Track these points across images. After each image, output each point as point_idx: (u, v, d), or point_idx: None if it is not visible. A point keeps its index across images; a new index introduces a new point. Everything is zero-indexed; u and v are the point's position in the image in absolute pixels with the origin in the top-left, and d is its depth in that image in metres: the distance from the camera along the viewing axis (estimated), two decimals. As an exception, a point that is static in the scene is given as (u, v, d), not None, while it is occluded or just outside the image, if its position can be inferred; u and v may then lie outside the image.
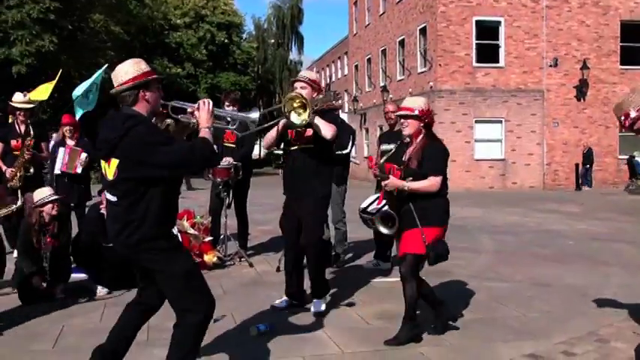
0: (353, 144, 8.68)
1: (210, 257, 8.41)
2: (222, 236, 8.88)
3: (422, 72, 30.20)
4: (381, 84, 35.55)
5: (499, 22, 28.50)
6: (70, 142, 9.39)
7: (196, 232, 8.36)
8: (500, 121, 28.25)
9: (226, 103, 8.86)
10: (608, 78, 28.89)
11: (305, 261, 6.48)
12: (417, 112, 5.49)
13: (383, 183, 5.57)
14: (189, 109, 4.35)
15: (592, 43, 28.90)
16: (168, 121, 4.53)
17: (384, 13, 36.00)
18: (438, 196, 5.47)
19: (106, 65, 12.53)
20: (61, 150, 9.34)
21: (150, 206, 3.90)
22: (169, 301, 4.13)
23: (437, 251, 5.36)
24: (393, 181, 5.46)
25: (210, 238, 8.56)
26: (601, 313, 6.32)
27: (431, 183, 5.40)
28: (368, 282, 7.79)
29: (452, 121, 27.69)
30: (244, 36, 60.56)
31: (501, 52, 28.62)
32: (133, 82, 3.96)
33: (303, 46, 66.06)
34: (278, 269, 8.33)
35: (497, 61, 28.68)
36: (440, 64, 28.18)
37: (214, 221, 8.91)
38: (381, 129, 30.62)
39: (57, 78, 10.56)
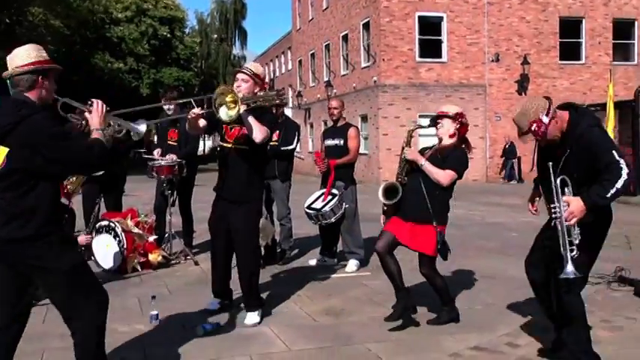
0: (298, 140, 8.64)
1: (154, 256, 8.28)
2: (167, 234, 8.75)
3: (365, 67, 30.32)
4: (325, 79, 35.59)
5: (441, 18, 28.78)
6: None
7: (140, 231, 8.23)
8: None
9: (162, 101, 8.72)
10: (548, 73, 29.49)
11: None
12: (452, 113, 5.82)
13: (406, 153, 5.71)
14: (80, 107, 4.19)
15: (532, 38, 29.45)
16: None
17: (327, 7, 36.01)
18: (449, 198, 5.74)
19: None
20: None
21: (40, 200, 3.70)
22: (58, 306, 3.89)
23: (446, 247, 5.67)
24: (413, 153, 5.69)
25: (154, 236, 8.43)
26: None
27: (445, 174, 5.56)
28: (314, 278, 7.77)
29: (396, 115, 27.86)
30: (187, 31, 59.87)
31: (444, 47, 28.91)
32: (34, 65, 3.77)
33: (246, 41, 65.81)
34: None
35: (440, 57, 28.98)
36: (383, 59, 28.32)
37: (159, 219, 8.80)
38: (325, 124, 30.65)
39: None
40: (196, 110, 5.68)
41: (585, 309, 4.61)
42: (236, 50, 64.59)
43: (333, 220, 8.15)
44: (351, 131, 8.34)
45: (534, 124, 4.35)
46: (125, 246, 7.99)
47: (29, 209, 3.66)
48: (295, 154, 8.72)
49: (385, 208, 5.96)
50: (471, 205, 16.96)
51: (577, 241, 4.22)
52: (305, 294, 7.05)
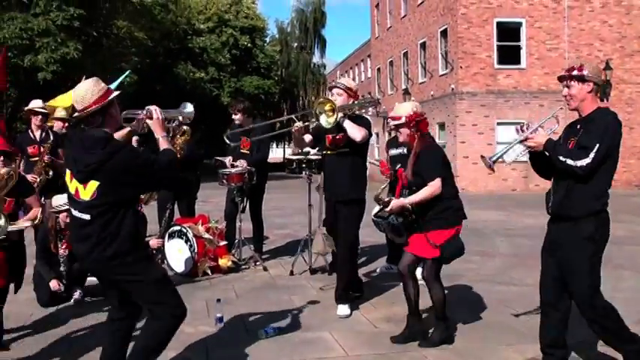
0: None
1: (224, 261, 8.52)
2: (237, 240, 8.99)
3: (443, 74, 30.16)
4: (403, 87, 35.52)
5: (520, 24, 28.38)
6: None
7: (211, 237, 8.47)
8: (523, 123, 28.02)
9: (234, 113, 9.06)
10: (632, 78, 28.63)
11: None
12: (403, 120, 5.59)
13: (386, 209, 5.65)
14: (138, 117, 4.44)
15: (615, 43, 28.67)
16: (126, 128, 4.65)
17: (405, 15, 35.99)
18: (445, 198, 5.50)
19: (128, 72, 12.75)
20: None
21: (123, 223, 4.02)
22: (146, 308, 4.28)
23: (450, 251, 5.47)
24: (395, 204, 5.58)
25: (224, 242, 8.67)
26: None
27: (432, 189, 5.44)
28: (378, 286, 7.84)
29: (473, 123, 27.63)
30: (267, 40, 60.82)
31: (523, 53, 28.49)
32: (100, 103, 4.01)
33: (325, 49, 66.12)
34: (291, 273, 8.49)
35: (519, 63, 28.55)
36: (461, 66, 28.13)
37: (229, 226, 9.03)
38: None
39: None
40: (299, 124, 6.59)
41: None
42: (316, 58, 65.17)
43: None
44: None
45: (576, 69, 4.49)
46: (196, 250, 8.27)
47: (114, 232, 4.00)
48: (370, 160, 8.77)
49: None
50: (547, 215, 16.48)
51: (513, 159, 4.62)
52: (369, 300, 7.12)
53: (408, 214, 5.59)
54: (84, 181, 3.99)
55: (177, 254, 8.47)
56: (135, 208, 4.24)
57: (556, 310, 4.68)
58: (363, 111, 6.92)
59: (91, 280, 7.55)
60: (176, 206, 9.07)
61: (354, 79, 56.99)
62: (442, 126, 30.02)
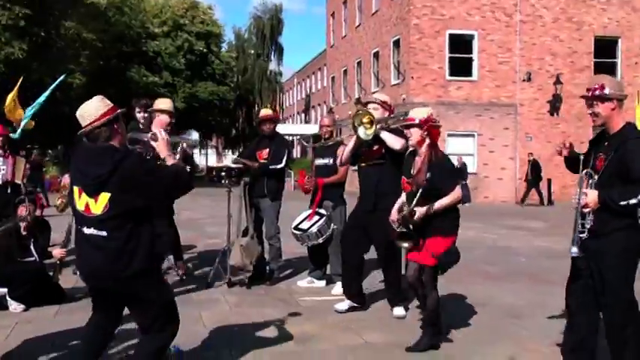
0: (289, 157, 8.41)
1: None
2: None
3: (395, 84, 30.07)
4: (356, 96, 35.37)
5: (472, 36, 28.44)
6: (1, 152, 9.01)
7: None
8: (473, 135, 28.12)
9: (137, 109, 8.47)
10: (582, 93, 28.62)
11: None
12: (417, 121, 5.63)
13: (413, 218, 5.52)
14: (144, 139, 4.50)
15: (566, 58, 28.87)
16: None
17: (359, 25, 35.92)
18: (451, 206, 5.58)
19: (63, 76, 12.22)
20: None
21: (142, 237, 4.00)
22: (142, 323, 4.25)
23: (447, 260, 5.51)
24: (420, 213, 5.48)
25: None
26: (529, 337, 6.08)
27: (456, 196, 5.55)
28: (295, 301, 7.52)
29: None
30: (224, 46, 60.31)
31: (474, 65, 28.53)
32: (106, 117, 4.03)
33: (282, 56, 66.01)
34: (208, 285, 8.10)
35: (471, 75, 28.59)
36: (413, 77, 28.04)
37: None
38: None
39: (16, 87, 10.12)
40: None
41: None
42: (272, 66, 64.80)
43: (320, 241, 7.94)
44: (341, 150, 8.09)
45: (597, 89, 4.54)
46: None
47: (134, 248, 3.96)
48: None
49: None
50: (487, 228, 16.42)
51: (588, 226, 4.45)
52: (281, 317, 6.75)
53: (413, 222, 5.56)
54: (94, 194, 3.95)
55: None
56: (151, 224, 4.17)
57: (581, 315, 4.72)
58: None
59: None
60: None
61: (310, 88, 57.19)
62: (393, 136, 29.81)
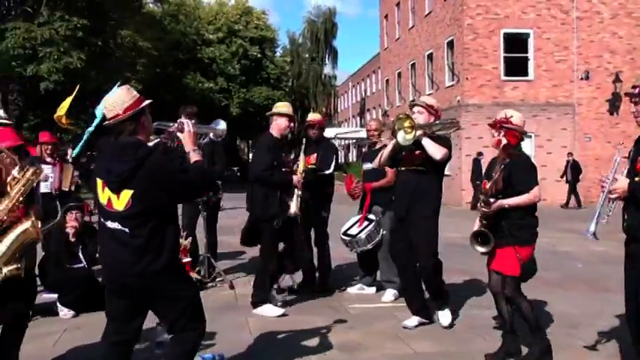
0: (337, 163, 8.32)
1: (187, 279, 8.11)
2: (201, 256, 8.56)
3: (449, 86, 29.68)
4: (411, 98, 35.09)
5: (528, 35, 27.83)
6: (49, 160, 9.17)
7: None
8: (530, 136, 27.49)
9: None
10: (643, 91, 27.97)
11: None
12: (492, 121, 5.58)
13: (487, 210, 5.41)
14: (169, 129, 4.37)
15: (625, 55, 28.02)
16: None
17: (413, 26, 35.57)
18: (529, 214, 5.45)
19: (118, 83, 12.34)
20: (48, 167, 9.08)
21: (167, 233, 3.93)
22: (170, 322, 4.14)
23: (530, 270, 5.45)
24: (496, 205, 5.37)
25: (188, 259, 8.25)
26: (585, 349, 5.86)
27: (533, 197, 5.39)
28: (344, 308, 7.42)
29: (479, 136, 26.95)
30: (279, 50, 60.69)
31: (530, 65, 27.93)
32: (132, 110, 3.92)
33: (337, 60, 65.72)
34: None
35: (527, 75, 27.98)
36: (467, 78, 27.64)
37: (192, 241, 8.60)
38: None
39: (73, 93, 10.26)
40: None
41: None
42: (327, 69, 64.79)
43: (369, 247, 7.83)
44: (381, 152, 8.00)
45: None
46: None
47: (158, 245, 3.88)
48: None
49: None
50: (544, 232, 15.94)
51: (610, 213, 4.54)
52: (327, 324, 6.66)
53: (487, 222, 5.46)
54: (117, 191, 3.87)
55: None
56: (176, 220, 4.12)
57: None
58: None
59: (47, 297, 7.29)
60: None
61: (365, 91, 56.97)
62: (448, 138, 29.45)
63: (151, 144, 4.28)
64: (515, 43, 27.92)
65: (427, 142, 6.15)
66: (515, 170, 5.35)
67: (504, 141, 5.42)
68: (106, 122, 3.99)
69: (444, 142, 6.28)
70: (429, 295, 6.69)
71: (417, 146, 6.21)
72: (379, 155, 6.67)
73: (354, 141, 55.46)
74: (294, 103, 59.36)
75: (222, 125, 4.80)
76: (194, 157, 4.09)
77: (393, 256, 6.86)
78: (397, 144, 6.19)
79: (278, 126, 7.27)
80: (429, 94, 32.13)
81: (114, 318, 4.12)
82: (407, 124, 6.02)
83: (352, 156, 56.97)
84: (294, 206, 7.18)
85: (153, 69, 40.29)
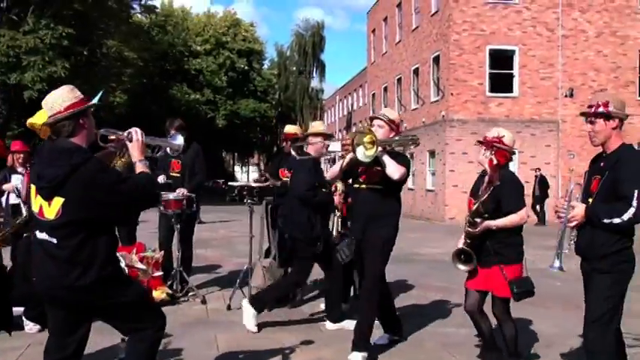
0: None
1: (158, 293, 7.97)
2: (174, 271, 8.40)
3: (435, 101, 29.70)
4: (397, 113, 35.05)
5: (513, 51, 27.93)
6: (21, 170, 8.97)
7: (144, 267, 7.92)
8: (514, 152, 27.50)
9: (172, 132, 8.39)
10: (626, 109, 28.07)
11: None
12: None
13: (474, 230, 5.31)
14: (119, 137, 4.11)
15: (609, 73, 28.17)
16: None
17: (400, 41, 35.63)
18: (514, 233, 5.40)
19: (102, 91, 12.23)
20: (17, 177, 8.87)
21: (98, 246, 3.69)
22: (122, 328, 4.01)
23: (522, 289, 5.28)
24: (484, 226, 5.29)
25: (159, 272, 8.12)
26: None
27: (520, 218, 5.37)
28: (317, 325, 7.29)
29: (463, 151, 27.02)
30: (266, 63, 60.69)
31: (515, 81, 28.02)
32: (72, 109, 3.69)
33: (324, 73, 65.95)
34: (228, 307, 7.91)
35: (511, 91, 28.08)
36: (452, 94, 27.67)
37: (165, 254, 8.45)
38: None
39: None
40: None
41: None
42: (314, 83, 64.84)
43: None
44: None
45: (601, 106, 4.35)
46: (128, 282, 7.72)
47: (88, 257, 3.65)
48: None
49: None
50: (529, 249, 15.88)
51: (572, 243, 4.43)
52: (299, 342, 6.52)
53: (471, 241, 5.38)
54: (48, 198, 3.64)
55: (109, 284, 7.91)
56: (112, 234, 3.90)
57: None
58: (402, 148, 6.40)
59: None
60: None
61: (352, 105, 56.89)
62: (432, 153, 29.50)
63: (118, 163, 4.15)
64: (501, 59, 28.04)
65: (387, 160, 5.79)
66: (504, 192, 5.28)
67: (494, 160, 5.36)
68: (45, 121, 3.82)
69: (402, 159, 6.00)
70: (357, 324, 6.17)
71: (376, 163, 5.84)
72: (331, 169, 6.40)
73: (340, 155, 55.32)
74: (281, 116, 59.54)
75: (179, 140, 4.66)
76: (139, 167, 3.89)
77: (358, 273, 6.78)
78: (355, 159, 5.79)
79: (314, 146, 7.12)
80: (414, 109, 32.21)
81: (53, 332, 3.95)
82: (367, 139, 5.63)
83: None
84: (334, 228, 7.09)
85: (139, 79, 40.11)
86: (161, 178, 8.25)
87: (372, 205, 6.00)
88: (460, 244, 5.47)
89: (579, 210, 4.31)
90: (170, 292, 8.19)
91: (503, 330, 5.45)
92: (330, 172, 6.38)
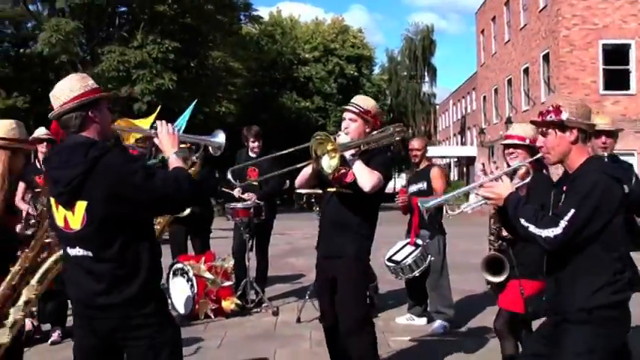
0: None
1: (227, 303, 7.84)
2: (245, 281, 8.24)
3: (545, 101, 28.48)
4: (507, 115, 33.98)
5: (629, 45, 26.46)
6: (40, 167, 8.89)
7: (213, 276, 7.81)
8: (633, 154, 25.99)
9: (250, 139, 8.27)
10: None
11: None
12: (527, 142, 4.74)
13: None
14: (147, 134, 3.72)
15: None
16: None
17: (509, 40, 34.57)
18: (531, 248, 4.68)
19: (195, 102, 12.33)
20: None
21: (141, 256, 3.17)
22: None
23: (537, 308, 4.41)
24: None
25: (229, 282, 7.99)
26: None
27: None
28: (387, 340, 6.82)
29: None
30: (376, 68, 60.44)
31: (632, 77, 26.49)
32: (80, 99, 3.18)
33: (436, 77, 64.87)
34: (298, 320, 7.65)
35: (628, 88, 26.57)
36: (563, 93, 26.47)
37: (238, 264, 8.31)
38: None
39: (156, 112, 10.21)
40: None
41: None
42: (425, 87, 64.05)
43: (416, 274, 7.15)
44: (434, 172, 7.44)
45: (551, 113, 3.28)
46: (196, 291, 7.64)
47: (131, 269, 3.16)
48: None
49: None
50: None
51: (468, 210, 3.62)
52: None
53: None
54: (69, 204, 3.13)
55: (179, 294, 7.86)
56: (153, 240, 3.32)
57: None
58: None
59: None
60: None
61: (465, 109, 55.62)
62: (543, 156, 28.30)
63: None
64: (615, 54, 26.62)
65: (358, 168, 4.55)
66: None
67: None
68: (50, 113, 3.28)
69: (382, 161, 4.71)
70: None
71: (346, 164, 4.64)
72: (300, 175, 5.07)
73: (456, 160, 54.43)
74: (393, 122, 59.06)
75: (219, 137, 3.83)
76: (173, 161, 3.33)
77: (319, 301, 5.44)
78: (321, 171, 4.63)
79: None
80: (524, 111, 31.09)
81: None
82: (329, 147, 4.49)
83: (454, 175, 55.72)
84: None
85: (249, 88, 40.83)
86: (236, 192, 8.13)
87: (343, 215, 4.75)
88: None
89: (503, 187, 3.36)
90: (240, 302, 8.04)
91: (502, 346, 4.95)
92: (298, 178, 5.10)
